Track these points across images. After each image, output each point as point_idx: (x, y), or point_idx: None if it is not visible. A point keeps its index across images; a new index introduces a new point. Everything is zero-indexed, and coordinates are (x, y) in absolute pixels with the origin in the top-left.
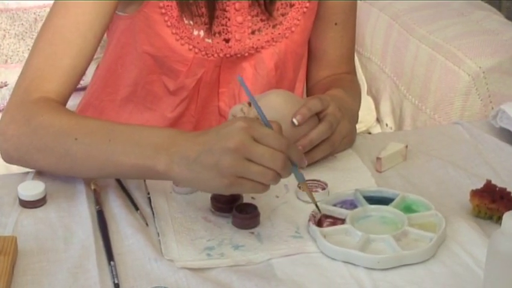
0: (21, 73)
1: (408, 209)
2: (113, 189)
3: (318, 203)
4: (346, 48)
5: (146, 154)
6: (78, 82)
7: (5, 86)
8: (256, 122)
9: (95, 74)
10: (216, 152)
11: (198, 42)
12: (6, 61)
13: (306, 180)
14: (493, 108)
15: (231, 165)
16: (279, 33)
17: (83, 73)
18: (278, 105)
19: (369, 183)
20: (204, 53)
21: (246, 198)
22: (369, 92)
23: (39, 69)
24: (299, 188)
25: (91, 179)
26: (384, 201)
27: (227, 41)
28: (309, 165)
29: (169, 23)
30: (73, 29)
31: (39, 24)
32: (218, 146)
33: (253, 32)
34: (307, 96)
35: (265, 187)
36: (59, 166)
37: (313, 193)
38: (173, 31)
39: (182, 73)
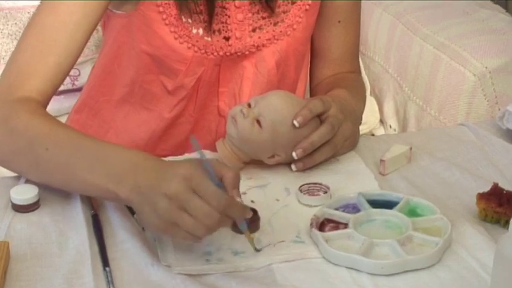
0: (5, 70)
1: (412, 212)
2: None
3: (320, 207)
4: (350, 46)
5: (110, 176)
6: (62, 81)
7: None
8: (201, 173)
9: (91, 74)
10: (156, 193)
11: (197, 41)
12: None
13: (308, 184)
14: (499, 109)
15: (165, 210)
16: (281, 31)
17: (67, 72)
18: (278, 106)
19: (373, 186)
20: (203, 51)
21: (246, 202)
22: (373, 93)
23: (24, 66)
24: (300, 191)
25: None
26: (388, 204)
27: (227, 39)
28: (311, 168)
29: (167, 21)
30: (60, 28)
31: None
32: (159, 187)
33: (254, 30)
34: (310, 96)
35: (197, 239)
36: (30, 173)
37: (314, 197)
38: (172, 29)
39: (181, 72)
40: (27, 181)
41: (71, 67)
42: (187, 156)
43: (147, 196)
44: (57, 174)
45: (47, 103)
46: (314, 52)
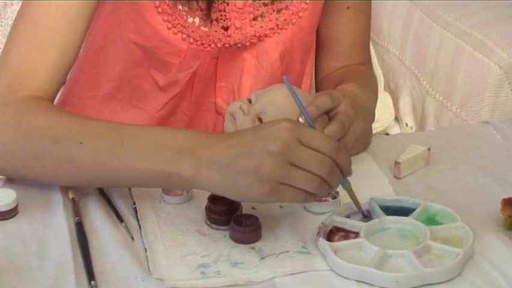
0: None
1: (431, 220)
2: (94, 198)
3: (328, 214)
4: (360, 35)
5: (167, 158)
6: (65, 77)
7: None
8: (303, 124)
9: (74, 66)
10: (256, 155)
11: (192, 31)
12: None
13: None
14: None
15: (273, 169)
16: (285, 19)
17: (70, 67)
18: (282, 102)
19: (387, 191)
20: (199, 43)
21: (246, 209)
22: (387, 87)
23: (23, 64)
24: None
25: (88, 187)
26: (404, 211)
27: (226, 29)
28: None
29: (160, 9)
30: (58, 16)
31: (10, 9)
32: (259, 148)
33: (255, 18)
34: (316, 91)
35: (308, 195)
36: (60, 174)
37: (322, 203)
38: (165, 18)
39: (175, 66)
40: (5, 185)
41: (74, 60)
42: None
43: (238, 164)
44: (96, 169)
45: (53, 101)
46: (321, 43)
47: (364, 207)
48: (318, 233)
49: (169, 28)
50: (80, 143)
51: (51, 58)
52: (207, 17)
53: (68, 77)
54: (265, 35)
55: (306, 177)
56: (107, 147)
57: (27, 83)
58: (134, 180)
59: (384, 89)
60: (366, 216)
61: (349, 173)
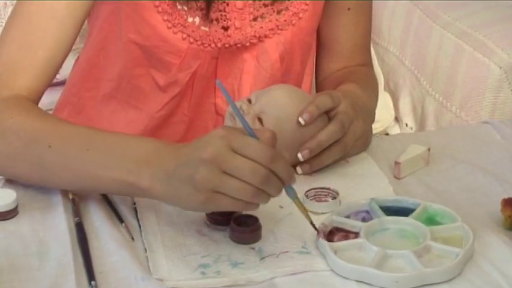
0: None
1: (431, 220)
2: (94, 198)
3: (328, 214)
4: (360, 36)
5: (128, 168)
6: (53, 77)
7: None
8: (238, 131)
9: (74, 67)
10: (191, 164)
11: (192, 31)
12: None
13: (315, 188)
14: None
15: (205, 178)
16: (285, 20)
17: (59, 67)
18: (282, 102)
19: (387, 192)
20: (199, 42)
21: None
22: (387, 88)
23: (11, 62)
24: (306, 197)
25: (60, 189)
26: (404, 211)
27: (226, 29)
28: (318, 170)
29: (160, 9)
30: (49, 16)
31: (9, 10)
32: (193, 157)
33: (255, 19)
34: (316, 92)
35: (247, 204)
36: (31, 176)
37: (322, 203)
38: (165, 18)
39: (175, 66)
40: (5, 185)
41: (63, 61)
42: None
43: (178, 173)
44: (64, 173)
45: (38, 101)
46: (321, 44)
47: (364, 208)
48: (318, 233)
49: (169, 28)
50: (49, 146)
51: (39, 57)
52: (207, 17)
53: (68, 77)
54: (265, 36)
55: (239, 186)
56: (74, 152)
57: (13, 81)
58: (97, 186)
59: (384, 89)
60: (316, 230)
61: (289, 181)
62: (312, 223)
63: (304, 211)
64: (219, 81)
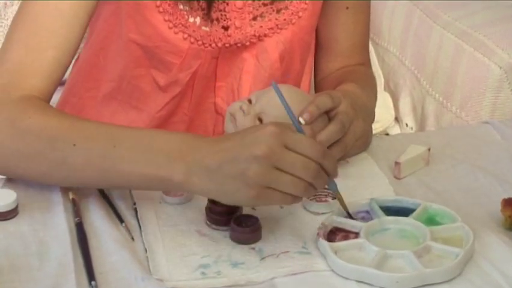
0: None
1: (431, 220)
2: (94, 198)
3: (328, 214)
4: (359, 35)
5: (159, 162)
6: (62, 77)
7: None
8: (287, 127)
9: (74, 67)
10: (241, 160)
11: (193, 31)
12: None
13: None
14: None
15: (258, 174)
16: (285, 19)
17: (67, 67)
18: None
19: (387, 192)
20: (200, 42)
21: (246, 209)
22: (387, 88)
23: (20, 64)
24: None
25: (84, 188)
26: (404, 212)
27: (226, 28)
28: None
29: (161, 9)
30: (56, 16)
31: (10, 10)
32: (244, 153)
33: (254, 18)
34: (316, 91)
35: (295, 199)
36: (54, 175)
37: (321, 203)
38: (166, 18)
39: (176, 66)
40: (5, 185)
41: (71, 61)
42: None
43: (226, 169)
44: (91, 171)
45: (49, 101)
46: (320, 43)
47: (364, 208)
48: (318, 234)
49: (170, 28)
50: (74, 145)
51: (48, 58)
52: (208, 17)
53: (67, 78)
54: (265, 35)
55: (292, 181)
56: (100, 150)
57: (23, 82)
58: (126, 183)
59: (384, 89)
60: (353, 218)
61: (335, 175)
62: (348, 213)
63: (344, 205)
64: (275, 83)
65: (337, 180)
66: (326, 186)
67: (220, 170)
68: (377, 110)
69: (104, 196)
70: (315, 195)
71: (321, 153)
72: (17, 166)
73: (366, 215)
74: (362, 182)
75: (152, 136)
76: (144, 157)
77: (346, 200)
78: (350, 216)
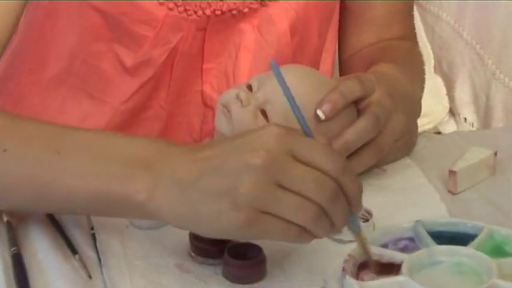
0: None
1: (498, 250)
2: (37, 221)
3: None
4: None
5: (114, 175)
6: None
7: None
8: (296, 130)
9: (9, 44)
10: (229, 172)
11: None
12: None
13: None
14: None
15: (253, 191)
16: None
17: (2, 50)
18: (294, 88)
19: (438, 211)
20: (181, 8)
21: None
22: (439, 69)
23: None
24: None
25: (17, 211)
26: (461, 239)
27: None
28: None
29: None
30: None
31: None
32: (234, 161)
33: None
34: (341, 74)
35: (302, 233)
36: None
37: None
38: None
39: (148, 40)
40: None
41: (7, 42)
42: None
43: (206, 183)
44: (21, 187)
45: None
46: (347, 9)
47: (407, 234)
48: (344, 269)
49: None
50: (4, 151)
51: None
52: None
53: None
54: None
55: (299, 204)
56: (38, 157)
57: None
58: (70, 203)
59: (435, 72)
60: (379, 266)
61: (358, 205)
62: (372, 263)
63: (368, 253)
64: (274, 60)
65: (370, 196)
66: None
67: (197, 185)
68: (424, 99)
69: (51, 218)
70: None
71: (343, 167)
72: None
73: (410, 244)
74: (404, 198)
75: (108, 140)
76: (95, 168)
77: (382, 223)
78: (372, 263)
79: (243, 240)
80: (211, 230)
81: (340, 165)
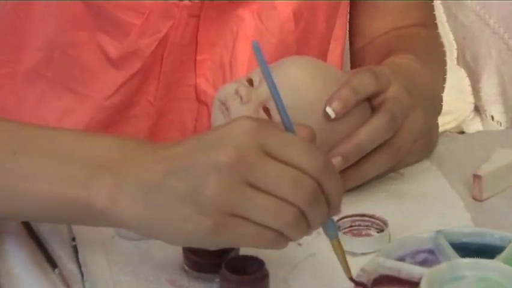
0: None
1: None
2: (12, 233)
3: (372, 256)
4: None
5: (74, 177)
6: None
7: None
8: (270, 123)
9: None
10: (194, 171)
11: None
12: None
13: (352, 216)
14: None
15: (220, 192)
16: None
17: None
18: (300, 83)
19: (461, 220)
20: None
21: (244, 248)
22: (461, 61)
23: None
24: (339, 228)
25: None
26: (487, 251)
27: None
28: (357, 188)
29: None
30: None
31: None
32: (200, 160)
33: None
34: (352, 67)
35: (277, 237)
36: None
37: (361, 238)
38: None
39: (135, 28)
40: None
41: None
42: None
43: (169, 185)
44: None
45: None
46: None
47: (427, 245)
48: (357, 284)
49: None
50: None
51: None
52: None
53: None
54: None
55: (274, 206)
56: None
57: None
58: (29, 211)
59: (458, 64)
60: (360, 284)
61: (338, 208)
62: (350, 277)
63: (343, 257)
64: (256, 42)
65: (386, 203)
66: (372, 213)
67: (160, 188)
68: (446, 94)
69: (29, 228)
70: (351, 226)
71: (324, 165)
72: None
73: (430, 256)
74: (423, 205)
75: (72, 139)
76: (55, 169)
77: (398, 233)
78: (354, 282)
79: (213, 248)
80: (177, 237)
81: (321, 163)
